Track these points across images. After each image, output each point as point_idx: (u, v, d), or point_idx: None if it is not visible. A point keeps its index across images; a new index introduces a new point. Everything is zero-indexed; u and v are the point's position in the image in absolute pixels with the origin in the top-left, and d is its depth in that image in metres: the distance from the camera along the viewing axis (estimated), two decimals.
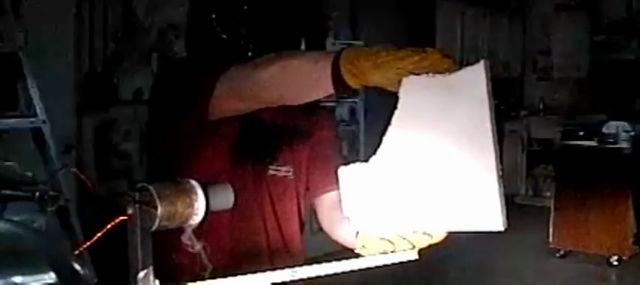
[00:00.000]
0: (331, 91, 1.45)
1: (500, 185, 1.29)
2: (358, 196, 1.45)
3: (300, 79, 1.52)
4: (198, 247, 1.78)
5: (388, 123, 1.40)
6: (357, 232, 1.57)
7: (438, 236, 1.46)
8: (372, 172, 1.42)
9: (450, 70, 1.31)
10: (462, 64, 1.31)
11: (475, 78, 1.29)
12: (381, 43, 1.39)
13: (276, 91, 1.58)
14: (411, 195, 1.37)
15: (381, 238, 1.48)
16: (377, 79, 1.35)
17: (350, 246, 1.69)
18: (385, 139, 1.40)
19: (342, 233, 1.84)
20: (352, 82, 1.39)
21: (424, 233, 1.44)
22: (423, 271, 5.06)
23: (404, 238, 1.46)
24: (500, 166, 1.30)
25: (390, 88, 1.36)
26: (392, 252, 1.48)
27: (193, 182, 1.30)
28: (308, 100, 1.59)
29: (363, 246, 1.54)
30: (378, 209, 1.43)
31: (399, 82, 1.34)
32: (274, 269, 1.36)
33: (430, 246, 1.49)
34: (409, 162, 1.37)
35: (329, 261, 1.39)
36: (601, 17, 9.77)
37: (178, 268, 1.68)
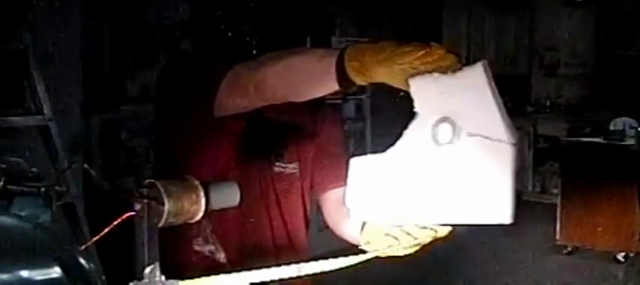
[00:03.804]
0: (336, 87, 1.45)
1: (513, 179, 1.29)
2: (366, 188, 1.45)
3: (305, 76, 1.53)
4: (221, 255, 1.79)
5: (408, 121, 1.39)
6: (362, 228, 1.58)
7: (442, 231, 1.46)
8: (383, 164, 1.42)
9: (453, 67, 1.30)
10: (468, 61, 1.31)
11: (475, 77, 1.29)
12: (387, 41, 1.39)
13: (281, 88, 1.58)
14: (420, 188, 1.37)
15: (386, 234, 1.48)
16: (381, 75, 1.35)
17: (355, 242, 1.69)
18: (404, 135, 1.39)
19: (347, 230, 1.84)
20: (357, 79, 1.39)
21: (428, 228, 1.44)
22: (430, 266, 5.06)
23: (408, 234, 1.46)
24: (518, 160, 1.30)
25: (394, 85, 1.36)
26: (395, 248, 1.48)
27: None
28: (313, 96, 1.59)
29: (368, 242, 1.55)
30: (386, 201, 1.42)
31: (404, 79, 1.34)
32: (279, 265, 1.36)
33: (434, 241, 1.49)
34: (421, 156, 1.37)
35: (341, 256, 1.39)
36: (608, 13, 9.74)
37: (193, 267, 1.70)
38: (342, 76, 1.40)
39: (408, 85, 1.33)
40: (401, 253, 1.49)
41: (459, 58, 1.31)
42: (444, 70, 1.30)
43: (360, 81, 1.40)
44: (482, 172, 1.30)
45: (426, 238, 1.46)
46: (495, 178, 1.29)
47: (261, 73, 1.59)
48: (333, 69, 1.42)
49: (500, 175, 1.29)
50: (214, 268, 1.77)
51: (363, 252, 1.51)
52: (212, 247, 1.91)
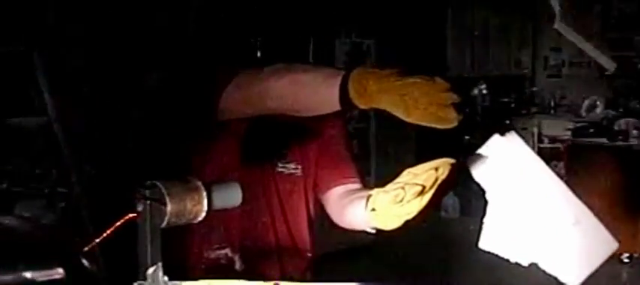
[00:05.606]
0: (338, 107, 1.48)
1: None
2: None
3: (308, 95, 1.55)
4: (236, 257, 1.80)
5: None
6: (367, 200, 1.59)
7: (442, 169, 1.46)
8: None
9: (449, 106, 1.37)
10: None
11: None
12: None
13: (284, 103, 1.61)
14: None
15: (391, 189, 1.48)
16: (383, 103, 1.39)
17: (359, 227, 1.72)
18: None
19: (350, 217, 1.85)
20: (359, 103, 1.43)
21: (429, 169, 1.45)
22: (431, 268, 5.06)
23: (413, 184, 1.45)
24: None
25: (394, 113, 1.38)
26: (401, 201, 1.47)
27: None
28: (314, 114, 1.63)
29: (373, 208, 1.55)
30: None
31: (404, 106, 1.37)
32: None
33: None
34: None
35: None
36: (612, 13, 9.72)
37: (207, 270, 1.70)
38: (345, 99, 1.44)
39: (407, 116, 1.38)
40: (410, 210, 1.48)
41: (457, 98, 1.37)
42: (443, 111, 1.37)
43: (362, 105, 1.43)
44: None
45: (429, 180, 1.45)
46: None
47: (265, 87, 1.62)
48: (336, 91, 1.45)
49: None
50: (228, 271, 1.78)
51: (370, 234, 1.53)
52: (224, 250, 1.92)
